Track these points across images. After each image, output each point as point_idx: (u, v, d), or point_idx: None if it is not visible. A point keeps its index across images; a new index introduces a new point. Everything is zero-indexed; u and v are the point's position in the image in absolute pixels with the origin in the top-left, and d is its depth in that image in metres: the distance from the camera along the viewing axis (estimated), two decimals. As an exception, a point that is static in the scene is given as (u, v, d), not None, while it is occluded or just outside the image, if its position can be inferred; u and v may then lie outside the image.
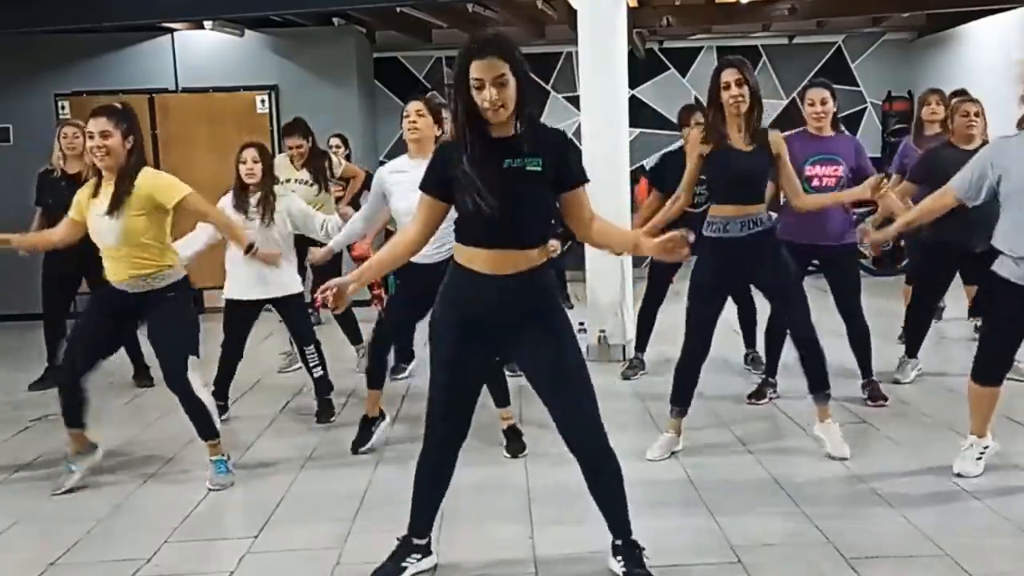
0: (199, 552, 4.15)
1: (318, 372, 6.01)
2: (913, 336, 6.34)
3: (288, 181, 7.10)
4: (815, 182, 5.61)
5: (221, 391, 5.91)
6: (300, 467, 5.11)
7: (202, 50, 10.33)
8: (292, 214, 5.83)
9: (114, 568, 3.93)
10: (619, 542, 3.58)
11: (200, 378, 4.81)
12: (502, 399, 5.16)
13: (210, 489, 4.78)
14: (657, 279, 6.71)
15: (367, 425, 5.33)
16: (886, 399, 5.83)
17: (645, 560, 3.54)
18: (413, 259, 4.86)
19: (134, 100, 9.82)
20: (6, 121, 10.28)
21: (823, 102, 5.66)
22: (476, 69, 3.12)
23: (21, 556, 4.09)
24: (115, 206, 4.54)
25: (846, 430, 5.36)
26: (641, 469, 4.91)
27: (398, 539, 3.71)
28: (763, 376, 6.10)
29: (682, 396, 5.01)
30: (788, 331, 5.07)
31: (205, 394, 4.82)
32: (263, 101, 10.23)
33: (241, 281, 5.74)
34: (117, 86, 9.99)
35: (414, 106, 5.05)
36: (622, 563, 3.54)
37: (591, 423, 3.44)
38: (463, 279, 3.37)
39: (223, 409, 5.87)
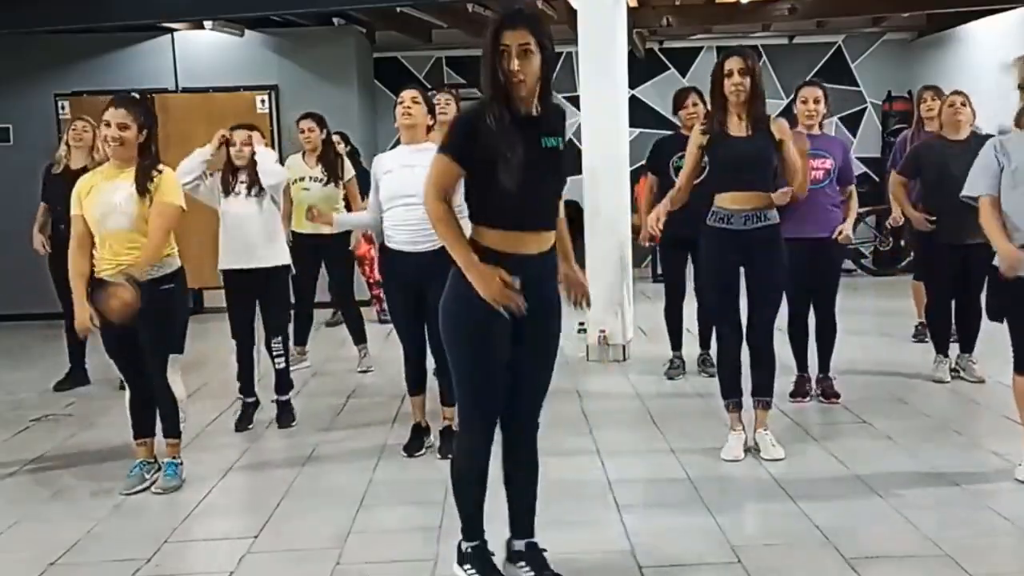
0: (199, 552, 4.15)
1: (280, 363, 5.91)
2: (938, 335, 6.38)
3: (303, 179, 7.04)
4: None
5: (247, 386, 5.88)
6: (300, 467, 5.11)
7: (202, 50, 10.33)
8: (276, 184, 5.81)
9: (114, 568, 3.93)
10: (521, 546, 3.51)
11: (178, 373, 4.81)
12: (452, 397, 5.12)
13: (154, 493, 4.75)
14: (671, 278, 6.69)
15: (419, 433, 5.25)
16: (839, 396, 5.86)
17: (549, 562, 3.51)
18: (399, 247, 4.89)
19: (134, 100, 9.86)
20: (6, 121, 10.27)
21: (816, 100, 5.70)
22: (504, 38, 3.18)
23: (21, 556, 4.08)
24: (143, 189, 4.57)
25: (846, 429, 5.38)
26: (641, 469, 4.91)
27: (470, 549, 3.50)
28: (798, 373, 6.01)
29: (731, 388, 4.97)
30: (746, 332, 4.90)
31: (180, 390, 4.83)
32: (263, 101, 10.22)
33: (230, 250, 5.73)
34: (117, 86, 9.95)
35: (410, 93, 5.04)
36: (528, 569, 3.47)
37: (536, 404, 3.45)
38: (493, 260, 3.20)
39: (255, 405, 5.89)
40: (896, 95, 11.73)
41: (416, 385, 5.20)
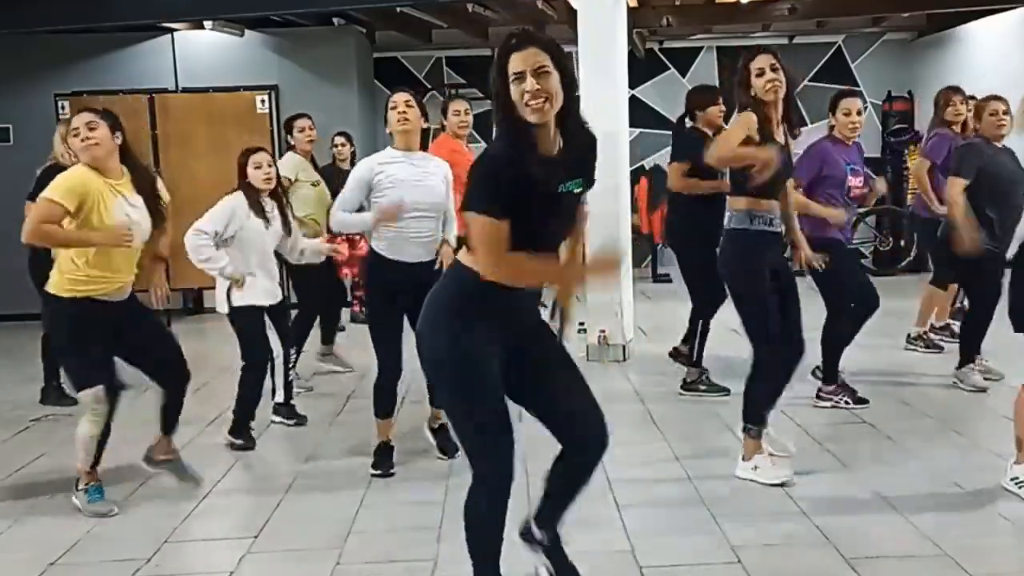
0: (199, 552, 4.16)
1: (291, 375, 5.92)
2: (975, 344, 6.08)
3: (318, 183, 6.89)
4: (853, 192, 5.66)
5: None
6: (300, 467, 5.11)
7: (202, 50, 10.34)
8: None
9: (114, 568, 3.93)
10: (542, 536, 3.34)
11: None
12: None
13: (188, 482, 4.79)
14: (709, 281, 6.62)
15: (387, 452, 4.96)
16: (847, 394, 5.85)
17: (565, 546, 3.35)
18: (405, 259, 4.74)
19: (134, 100, 9.88)
20: (6, 121, 10.29)
21: (859, 112, 5.64)
22: (515, 62, 2.81)
23: (21, 556, 4.08)
24: (156, 214, 4.57)
25: (847, 430, 5.37)
26: (641, 469, 4.91)
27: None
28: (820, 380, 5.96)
29: (764, 414, 4.64)
30: (784, 332, 4.63)
31: None
32: (263, 101, 10.23)
33: (260, 288, 5.48)
34: (117, 86, 10.00)
35: (403, 97, 4.88)
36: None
37: (594, 407, 3.19)
38: (493, 294, 2.94)
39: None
40: (896, 95, 11.75)
41: (387, 409, 4.91)
